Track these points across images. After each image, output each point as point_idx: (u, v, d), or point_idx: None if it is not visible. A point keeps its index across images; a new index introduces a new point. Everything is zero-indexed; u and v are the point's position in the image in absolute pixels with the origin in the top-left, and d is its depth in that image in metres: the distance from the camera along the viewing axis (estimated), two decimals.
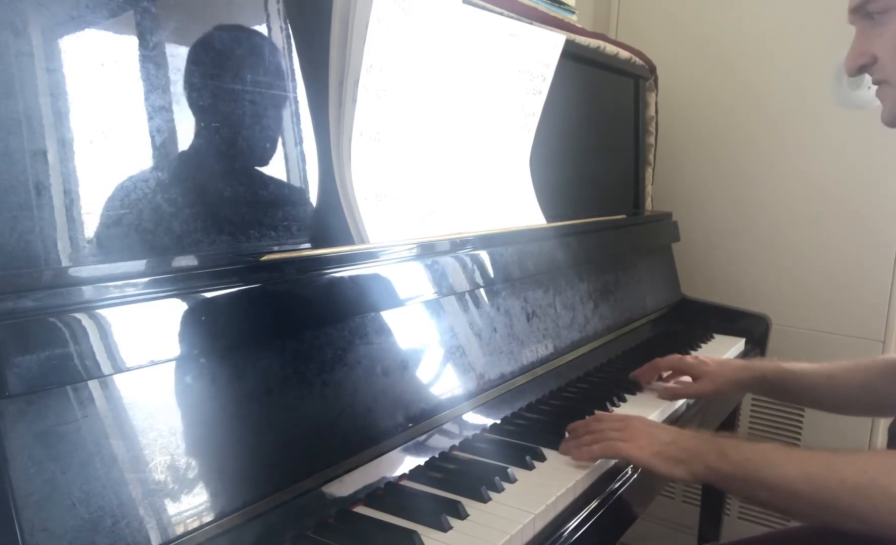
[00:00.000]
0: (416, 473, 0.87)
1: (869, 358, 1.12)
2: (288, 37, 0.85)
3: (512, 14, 1.20)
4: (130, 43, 0.69)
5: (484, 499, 0.80)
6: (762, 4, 1.76)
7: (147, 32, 0.70)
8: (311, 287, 0.78)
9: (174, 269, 0.68)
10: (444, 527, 0.74)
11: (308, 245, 0.87)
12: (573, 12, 1.50)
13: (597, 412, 1.08)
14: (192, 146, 0.75)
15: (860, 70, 0.88)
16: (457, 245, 1.01)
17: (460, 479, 0.84)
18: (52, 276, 0.61)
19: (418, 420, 0.88)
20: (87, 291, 0.60)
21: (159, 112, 0.72)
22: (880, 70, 0.86)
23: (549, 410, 1.12)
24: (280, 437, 0.72)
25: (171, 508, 0.62)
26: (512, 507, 0.79)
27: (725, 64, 1.82)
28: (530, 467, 0.89)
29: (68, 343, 0.56)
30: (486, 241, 1.06)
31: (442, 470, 0.88)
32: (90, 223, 0.66)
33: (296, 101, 0.87)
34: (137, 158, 0.70)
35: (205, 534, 0.64)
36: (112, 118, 0.68)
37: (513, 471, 0.87)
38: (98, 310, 0.59)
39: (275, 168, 0.84)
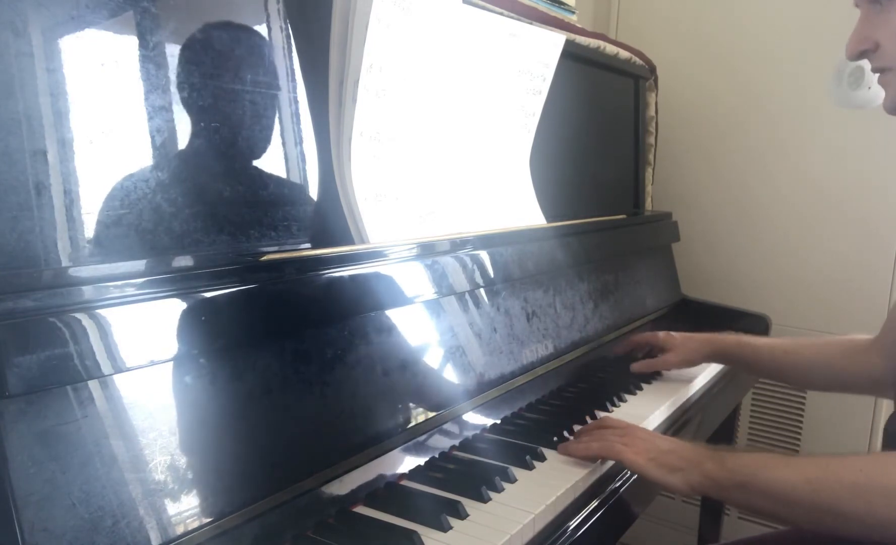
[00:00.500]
0: (416, 473, 0.87)
1: (832, 337, 1.19)
2: (288, 37, 0.85)
3: (512, 14, 1.20)
4: (130, 43, 0.69)
5: (484, 499, 0.80)
6: (762, 4, 1.76)
7: (147, 32, 0.70)
8: (310, 287, 0.78)
9: (174, 269, 0.68)
10: (444, 527, 0.74)
11: (308, 245, 0.87)
12: (573, 12, 1.50)
13: (598, 414, 1.09)
14: (191, 146, 0.75)
15: (861, 55, 0.87)
16: (457, 245, 1.01)
17: (460, 479, 0.84)
18: (52, 276, 0.61)
19: (418, 420, 0.88)
20: (87, 291, 0.60)
21: (159, 112, 0.72)
22: (881, 57, 0.85)
23: (549, 410, 1.12)
24: (280, 437, 0.72)
25: (171, 508, 0.61)
26: (512, 507, 0.79)
27: (725, 64, 1.82)
28: (530, 467, 0.89)
29: (68, 343, 0.56)
30: (486, 241, 1.06)
31: (442, 470, 0.88)
32: (90, 223, 0.66)
33: (296, 101, 0.87)
34: (137, 158, 0.70)
35: (205, 534, 0.63)
36: (112, 118, 0.68)
37: (513, 471, 0.87)
38: (98, 310, 0.59)
39: (275, 168, 0.84)
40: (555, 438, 0.97)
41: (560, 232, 1.26)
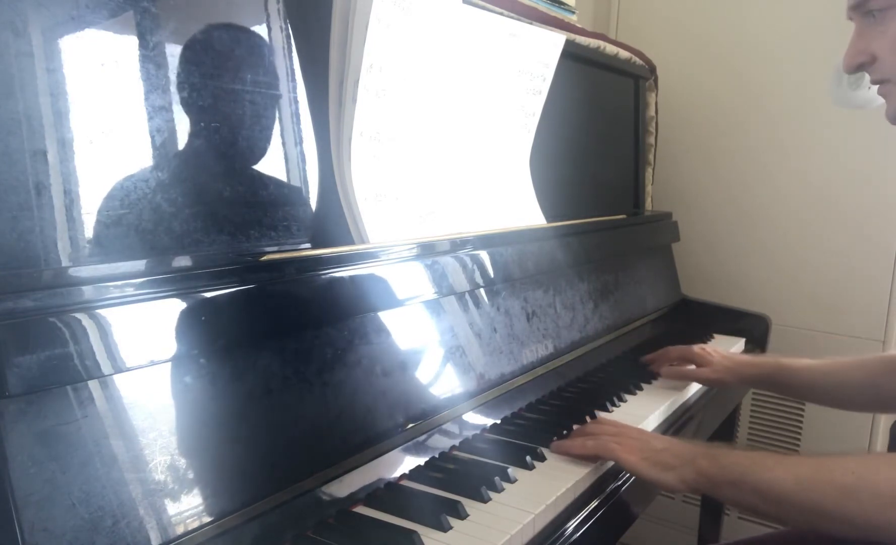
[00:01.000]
0: (416, 473, 0.87)
1: (870, 355, 1.14)
2: (288, 37, 0.85)
3: (512, 14, 1.20)
4: (130, 43, 0.69)
5: (484, 499, 0.80)
6: (762, 4, 1.76)
7: (147, 32, 0.70)
8: (311, 287, 0.78)
9: (174, 269, 0.68)
10: (444, 527, 0.74)
11: (308, 245, 0.87)
12: (573, 12, 1.50)
13: (598, 414, 1.09)
14: (191, 146, 0.75)
15: (858, 68, 0.87)
16: (457, 245, 1.01)
17: (460, 479, 0.84)
18: (52, 276, 0.61)
19: (418, 420, 0.88)
20: (87, 291, 0.60)
21: (159, 112, 0.72)
22: (879, 69, 0.85)
23: (549, 410, 1.12)
24: (280, 437, 0.72)
25: (171, 508, 0.61)
26: (512, 507, 0.79)
27: (725, 64, 1.82)
28: (530, 467, 0.89)
29: (68, 343, 0.56)
30: (486, 241, 1.06)
31: (442, 470, 0.88)
32: (90, 223, 0.66)
33: (296, 101, 0.87)
34: (137, 158, 0.70)
35: (205, 535, 0.64)
36: (112, 118, 0.68)
37: (513, 471, 0.87)
38: (98, 310, 0.59)
39: (275, 168, 0.84)
40: (555, 438, 0.97)
41: (560, 232, 1.26)
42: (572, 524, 0.81)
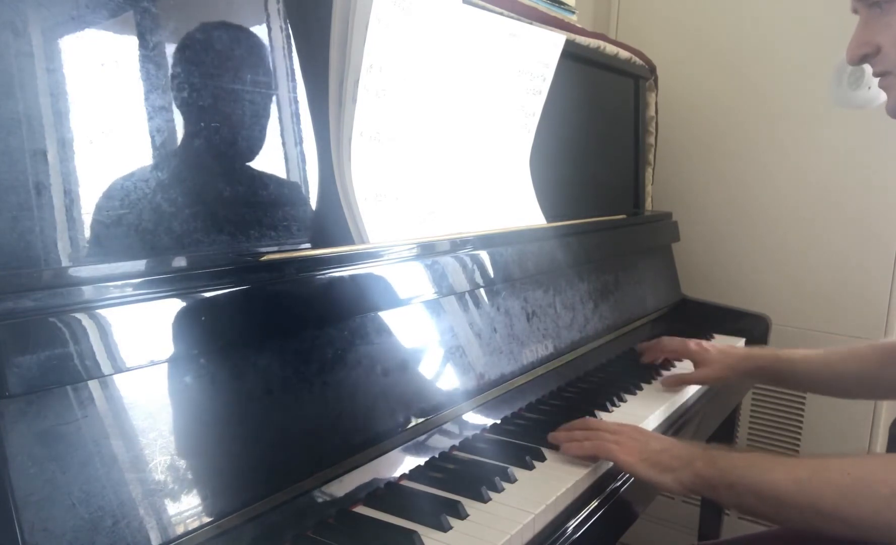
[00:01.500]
0: (416, 473, 0.87)
1: (866, 343, 1.15)
2: (288, 37, 0.85)
3: (512, 14, 1.20)
4: (130, 43, 0.69)
5: (484, 499, 0.80)
6: (762, 4, 1.76)
7: (147, 32, 0.70)
8: (311, 287, 0.78)
9: (174, 269, 0.68)
10: (444, 527, 0.74)
11: (308, 245, 0.87)
12: (573, 12, 1.50)
13: (598, 414, 1.09)
14: (192, 146, 0.75)
15: (862, 59, 0.87)
16: (457, 245, 1.01)
17: (460, 479, 0.84)
18: (52, 276, 0.61)
19: (418, 420, 0.88)
20: (87, 291, 0.60)
21: (159, 112, 0.72)
22: (883, 61, 0.84)
23: (549, 410, 1.12)
24: (280, 437, 0.72)
25: (171, 508, 0.61)
26: (512, 507, 0.79)
27: (725, 64, 1.82)
28: (530, 467, 0.89)
29: (68, 343, 0.56)
30: (486, 241, 1.06)
31: (442, 470, 0.88)
32: (90, 223, 0.66)
33: (296, 101, 0.87)
34: (137, 158, 0.70)
35: (205, 534, 0.64)
36: (112, 118, 0.68)
37: (513, 471, 0.87)
38: (98, 310, 0.59)
39: (275, 168, 0.84)
40: None
41: (560, 232, 1.26)
42: (572, 524, 0.81)
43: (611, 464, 0.93)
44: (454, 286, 0.97)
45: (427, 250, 0.95)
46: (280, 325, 0.74)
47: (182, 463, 0.63)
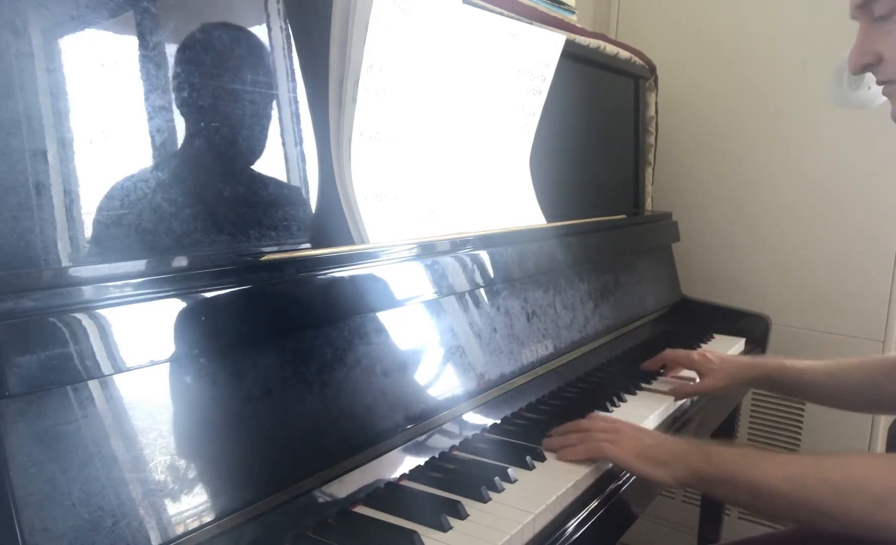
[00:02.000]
0: (416, 473, 0.87)
1: (872, 356, 1.14)
2: (288, 37, 0.85)
3: (512, 14, 1.20)
4: (130, 43, 0.69)
5: (484, 499, 0.80)
6: (763, 4, 1.76)
7: (147, 32, 0.70)
8: (311, 287, 0.78)
9: (174, 269, 0.68)
10: (444, 527, 0.74)
11: (308, 245, 0.87)
12: (573, 12, 1.50)
13: (598, 415, 1.09)
14: (192, 146, 0.75)
15: (864, 68, 0.86)
16: (457, 245, 1.01)
17: (460, 479, 0.84)
18: (52, 276, 0.61)
19: (418, 420, 0.88)
20: (87, 291, 0.60)
21: (159, 112, 0.72)
22: (886, 69, 0.84)
23: (549, 410, 1.12)
24: (280, 437, 0.72)
25: (171, 508, 0.62)
26: (512, 507, 0.79)
27: (725, 64, 1.82)
28: (530, 467, 0.89)
29: (68, 343, 0.56)
30: (486, 241, 1.06)
31: (442, 470, 0.88)
32: (90, 223, 0.66)
33: (296, 101, 0.87)
34: (137, 158, 0.70)
35: (205, 534, 0.64)
36: (112, 118, 0.68)
37: (513, 471, 0.87)
38: (98, 310, 0.59)
39: (275, 168, 0.84)
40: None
41: (560, 232, 1.26)
42: (572, 524, 0.81)
43: (610, 464, 0.93)
44: (454, 286, 0.97)
45: (427, 250, 0.95)
46: (280, 325, 0.74)
47: (182, 463, 0.63)
